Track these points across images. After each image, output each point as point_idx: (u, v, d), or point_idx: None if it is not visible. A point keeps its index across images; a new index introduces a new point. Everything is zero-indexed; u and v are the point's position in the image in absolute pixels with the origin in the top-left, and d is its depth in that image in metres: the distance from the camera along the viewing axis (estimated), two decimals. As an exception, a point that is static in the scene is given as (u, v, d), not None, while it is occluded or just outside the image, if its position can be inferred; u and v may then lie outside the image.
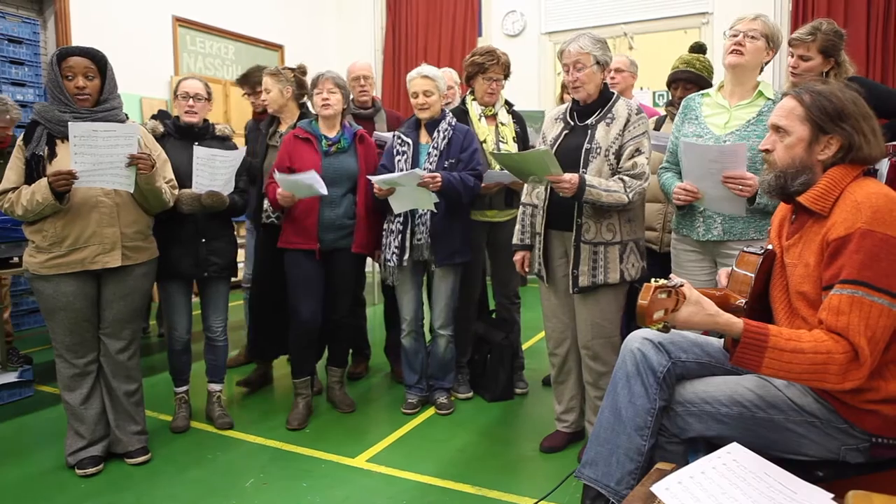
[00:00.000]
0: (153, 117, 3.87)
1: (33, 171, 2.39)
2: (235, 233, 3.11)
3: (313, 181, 2.76)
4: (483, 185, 3.05)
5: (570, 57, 2.44)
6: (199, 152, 2.73)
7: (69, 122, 2.32)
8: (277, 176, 2.82)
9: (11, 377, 3.36)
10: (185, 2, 6.33)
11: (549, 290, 2.65)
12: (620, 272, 2.46)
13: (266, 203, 3.20)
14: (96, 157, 2.35)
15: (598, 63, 2.44)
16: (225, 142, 2.98)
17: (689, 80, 2.98)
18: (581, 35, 2.47)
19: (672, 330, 1.46)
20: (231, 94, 6.40)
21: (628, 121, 2.44)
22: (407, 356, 3.19)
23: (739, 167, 2.16)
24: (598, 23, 7.14)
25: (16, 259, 3.26)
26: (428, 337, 3.31)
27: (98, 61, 2.48)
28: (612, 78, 3.32)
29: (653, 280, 1.42)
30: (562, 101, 3.42)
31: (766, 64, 2.35)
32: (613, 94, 2.55)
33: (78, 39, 5.33)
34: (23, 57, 4.96)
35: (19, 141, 2.46)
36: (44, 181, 2.34)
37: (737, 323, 1.45)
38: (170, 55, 6.22)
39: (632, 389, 1.71)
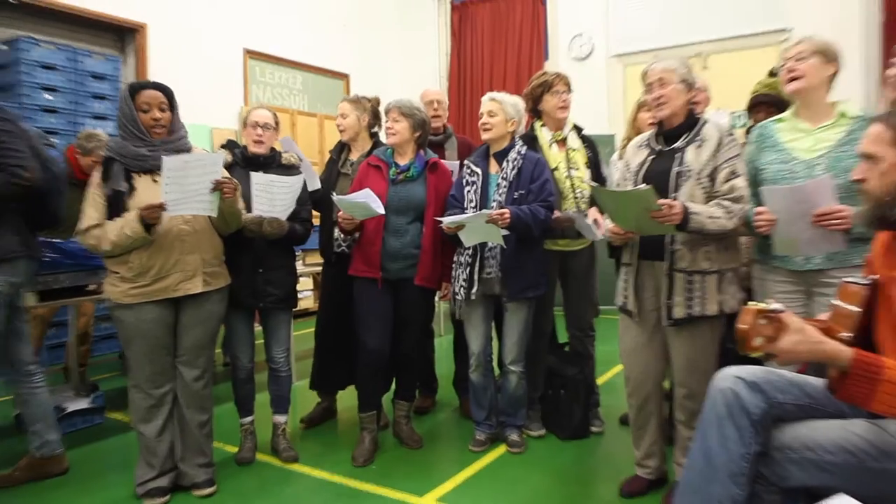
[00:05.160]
0: (223, 146, 4.04)
1: (114, 207, 2.50)
2: (301, 262, 3.17)
3: (368, 200, 2.79)
4: (553, 216, 3.00)
5: (653, 74, 2.41)
6: (257, 178, 2.81)
7: (164, 158, 2.43)
8: (334, 197, 2.88)
9: (84, 403, 3.50)
10: (256, 35, 6.63)
11: (633, 326, 2.55)
12: (718, 303, 2.35)
13: (337, 231, 3.25)
14: (184, 186, 2.45)
15: (682, 81, 2.40)
16: (290, 170, 3.05)
17: (772, 103, 2.93)
18: (666, 59, 2.46)
19: (770, 362, 1.39)
20: (298, 123, 6.62)
21: (720, 143, 2.37)
22: (475, 392, 3.14)
23: (829, 201, 2.07)
24: (669, 43, 7.05)
25: (91, 286, 3.41)
26: (496, 370, 3.26)
27: (168, 94, 2.61)
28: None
29: (750, 303, 1.35)
30: (635, 121, 3.38)
31: (834, 78, 2.32)
32: (700, 117, 2.50)
33: (154, 74, 5.65)
34: (104, 92, 5.27)
35: (97, 179, 2.57)
36: (131, 215, 2.44)
37: (845, 352, 1.36)
38: (240, 86, 6.51)
39: (724, 433, 1.63)
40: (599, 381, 3.67)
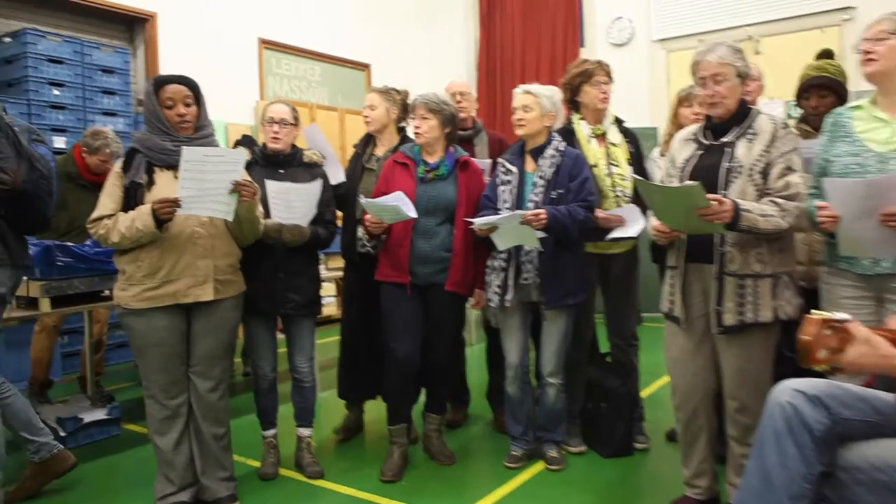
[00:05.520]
0: (237, 143, 4.12)
1: (131, 198, 2.58)
2: (324, 266, 3.23)
3: (399, 202, 2.83)
4: (602, 216, 3.02)
5: (708, 69, 2.41)
6: (272, 186, 2.88)
7: (183, 147, 2.48)
8: (363, 201, 2.92)
9: (101, 414, 3.61)
10: (271, 23, 6.72)
11: (680, 333, 2.57)
12: (773, 309, 2.36)
13: (360, 231, 3.30)
14: (202, 182, 2.50)
15: (738, 75, 2.41)
16: (312, 169, 3.11)
17: (824, 85, 2.90)
18: (718, 44, 2.44)
19: (836, 375, 1.40)
20: (317, 117, 6.70)
21: (774, 136, 2.37)
22: (511, 405, 3.18)
23: None
24: (717, 26, 7.01)
25: (107, 292, 3.51)
26: (533, 382, 3.29)
27: (193, 88, 2.68)
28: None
29: (813, 312, 1.36)
30: (676, 117, 3.39)
31: None
32: (752, 108, 2.50)
33: (165, 66, 5.77)
34: (114, 87, 5.41)
35: (117, 168, 2.66)
36: (145, 208, 2.51)
37: None
38: (255, 79, 6.61)
39: (783, 450, 1.64)
40: (644, 393, 3.67)
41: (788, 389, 1.68)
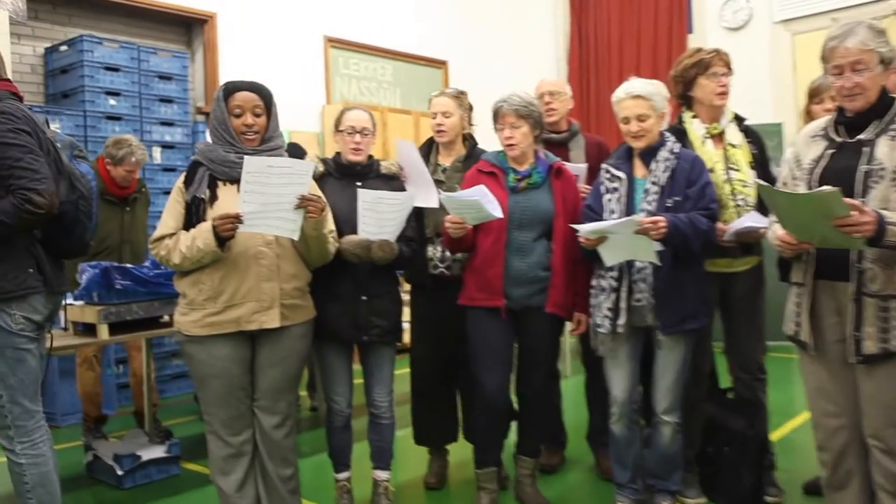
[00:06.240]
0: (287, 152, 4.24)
1: (193, 215, 2.69)
2: (400, 288, 3.27)
3: (482, 198, 2.84)
4: (731, 231, 2.96)
5: (847, 55, 2.34)
6: (365, 196, 2.92)
7: (245, 157, 2.57)
8: (442, 196, 2.95)
9: (159, 452, 3.76)
10: (338, 20, 6.93)
11: (814, 361, 2.50)
12: None
13: (431, 249, 3.33)
14: (265, 196, 2.58)
15: (882, 62, 2.33)
16: (391, 181, 3.17)
17: None
18: (857, 25, 2.36)
19: None
20: (390, 123, 6.83)
21: None
22: (617, 447, 3.13)
23: None
24: (853, 1, 6.81)
25: (166, 318, 3.67)
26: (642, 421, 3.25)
27: (265, 97, 2.78)
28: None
29: None
30: (807, 114, 3.28)
31: None
32: (894, 98, 2.42)
33: (225, 70, 6.04)
34: (172, 94, 5.69)
35: (179, 183, 2.77)
36: (206, 225, 2.61)
37: None
38: (321, 82, 6.83)
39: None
40: (774, 436, 3.58)
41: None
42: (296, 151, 3.98)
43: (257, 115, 2.75)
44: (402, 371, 5.23)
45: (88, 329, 3.43)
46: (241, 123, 2.73)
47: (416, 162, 3.27)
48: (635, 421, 3.14)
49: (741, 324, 3.26)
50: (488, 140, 3.42)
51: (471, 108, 3.54)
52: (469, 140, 3.54)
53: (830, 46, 2.39)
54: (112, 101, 5.39)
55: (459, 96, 3.47)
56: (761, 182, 2.55)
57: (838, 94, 2.43)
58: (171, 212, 2.74)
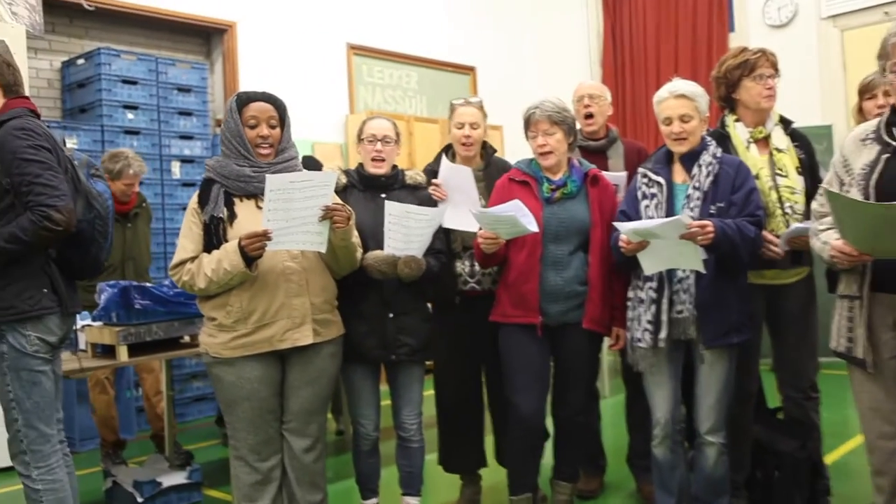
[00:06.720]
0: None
1: (213, 236, 2.71)
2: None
3: (517, 213, 2.84)
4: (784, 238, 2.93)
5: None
6: (392, 209, 2.93)
7: (266, 175, 2.59)
8: (473, 212, 2.96)
9: (180, 478, 3.78)
10: (361, 26, 7.01)
11: (869, 380, 2.47)
12: None
13: (460, 265, 3.33)
14: (290, 212, 2.61)
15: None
16: (417, 192, 3.19)
17: None
18: None
19: None
20: (415, 132, 6.88)
21: None
22: (660, 471, 3.10)
23: None
24: (906, -5, 6.74)
25: (186, 338, 3.71)
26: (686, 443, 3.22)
27: (279, 108, 2.83)
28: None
29: None
30: (859, 112, 3.25)
31: None
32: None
33: (245, 81, 6.12)
34: (191, 107, 5.78)
35: (193, 203, 2.80)
36: (231, 246, 2.62)
37: None
38: (344, 90, 6.89)
39: None
40: (828, 459, 3.53)
41: None
42: (311, 165, 4.01)
43: (272, 127, 2.79)
44: (428, 392, 5.24)
45: (107, 351, 3.47)
46: (257, 135, 2.76)
47: (467, 186, 3.23)
48: (679, 443, 3.11)
49: (792, 339, 3.23)
50: (519, 149, 3.42)
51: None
52: (487, 148, 3.54)
53: (894, 42, 2.37)
54: (130, 115, 5.47)
55: (482, 107, 3.48)
56: (830, 189, 2.49)
57: (893, 90, 2.40)
58: (187, 234, 2.76)
